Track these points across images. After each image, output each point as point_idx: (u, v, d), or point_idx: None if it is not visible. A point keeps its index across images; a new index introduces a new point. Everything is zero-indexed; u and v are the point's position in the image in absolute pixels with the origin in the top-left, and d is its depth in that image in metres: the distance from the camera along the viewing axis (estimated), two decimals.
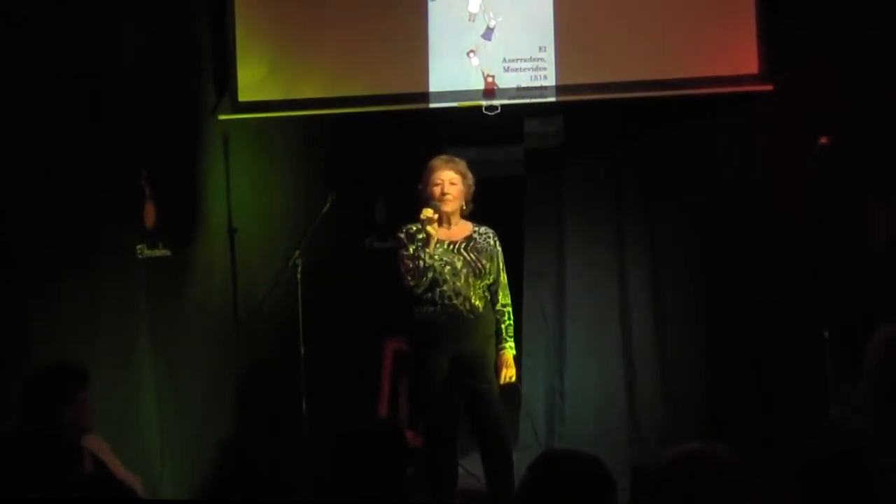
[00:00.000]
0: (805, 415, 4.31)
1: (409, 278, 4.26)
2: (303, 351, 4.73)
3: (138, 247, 4.27)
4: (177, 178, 4.58)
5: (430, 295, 4.26)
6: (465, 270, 4.29)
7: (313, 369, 4.77)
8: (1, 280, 3.59)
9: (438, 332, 4.26)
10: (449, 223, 4.37)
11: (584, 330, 5.18)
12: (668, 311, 5.10)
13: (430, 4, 4.93)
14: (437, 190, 4.32)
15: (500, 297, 4.41)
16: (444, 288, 4.26)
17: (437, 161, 4.38)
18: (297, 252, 4.81)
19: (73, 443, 3.29)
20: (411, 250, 4.28)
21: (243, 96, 5.03)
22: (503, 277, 4.43)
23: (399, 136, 5.42)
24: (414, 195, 4.42)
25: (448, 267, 4.27)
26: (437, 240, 4.29)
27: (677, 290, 5.09)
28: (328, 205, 4.81)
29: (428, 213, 4.27)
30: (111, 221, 4.16)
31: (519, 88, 4.88)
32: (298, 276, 4.77)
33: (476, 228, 4.42)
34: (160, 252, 4.38)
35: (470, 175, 4.39)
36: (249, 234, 5.10)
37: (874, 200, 4.72)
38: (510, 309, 4.43)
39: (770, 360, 4.91)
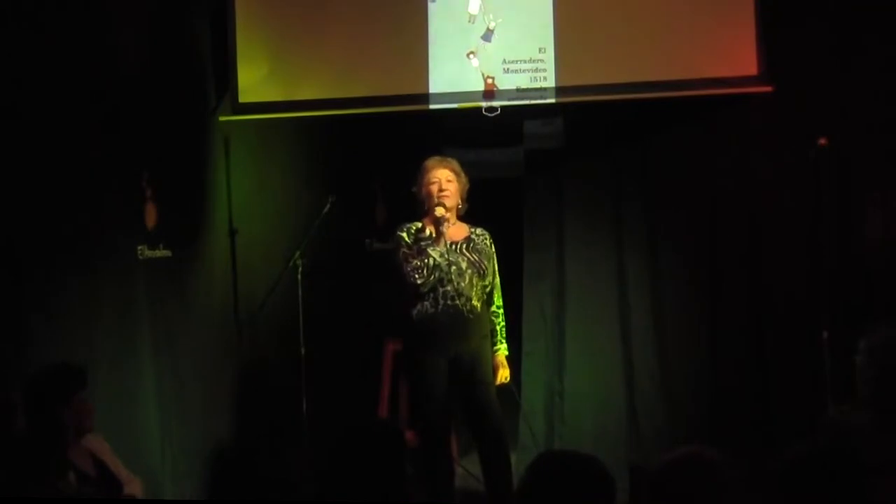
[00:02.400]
0: (805, 415, 4.32)
1: (416, 276, 4.25)
2: (303, 351, 4.74)
3: (139, 248, 4.27)
4: (178, 179, 4.58)
5: (432, 294, 4.27)
6: (469, 271, 4.31)
7: (313, 369, 4.78)
8: (2, 280, 3.59)
9: (437, 332, 4.26)
10: (448, 227, 4.38)
11: (584, 330, 5.19)
12: (667, 311, 5.11)
13: (430, 6, 4.94)
14: (434, 188, 4.33)
15: (494, 299, 4.43)
16: (448, 288, 4.27)
17: (430, 161, 4.40)
18: (298, 253, 4.82)
19: (73, 443, 3.30)
20: (414, 249, 4.29)
21: (244, 98, 5.04)
22: (497, 279, 4.46)
23: (399, 137, 5.43)
24: (414, 196, 4.43)
25: (454, 267, 4.28)
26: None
27: (677, 290, 5.10)
28: (328, 206, 4.82)
29: (441, 211, 4.28)
30: (112, 222, 4.16)
31: (519, 90, 4.89)
32: (299, 276, 4.79)
33: (473, 230, 4.44)
34: (161, 253, 4.38)
35: (464, 174, 4.42)
36: (250, 234, 5.10)
37: (873, 201, 4.73)
38: (503, 311, 4.47)
39: (770, 360, 4.92)
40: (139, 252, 4.27)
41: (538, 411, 5.17)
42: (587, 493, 2.14)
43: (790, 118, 4.77)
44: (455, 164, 4.41)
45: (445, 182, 4.34)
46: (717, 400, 4.99)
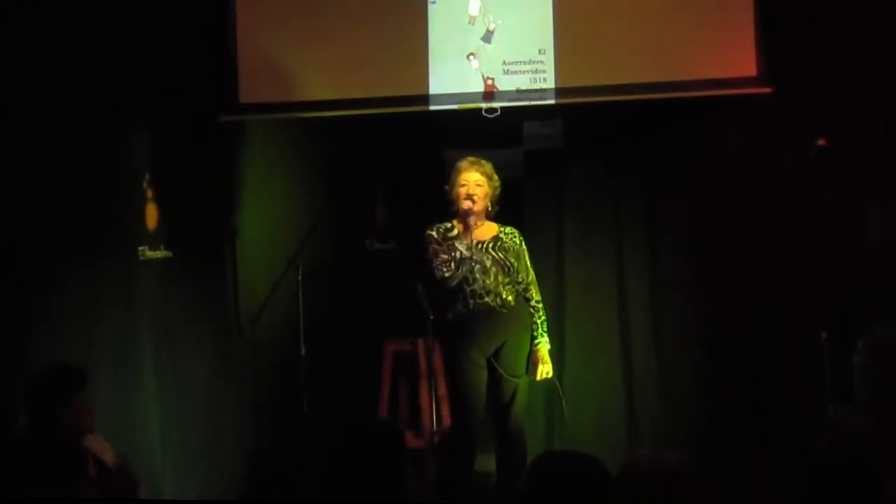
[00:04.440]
0: (804, 415, 4.32)
1: (444, 269, 4.27)
2: (303, 351, 4.74)
3: (140, 248, 4.27)
4: (178, 179, 4.58)
5: (461, 295, 4.29)
6: (494, 269, 4.31)
7: (313, 369, 4.78)
8: (1, 280, 3.59)
9: (473, 332, 4.27)
10: (475, 223, 4.39)
11: (584, 330, 5.20)
12: (667, 312, 5.12)
13: (431, 7, 4.95)
14: (462, 191, 4.36)
15: (531, 294, 4.42)
16: (475, 287, 4.28)
17: (463, 163, 4.42)
18: (298, 253, 4.82)
19: (74, 443, 3.30)
20: (444, 245, 4.30)
21: (245, 98, 5.05)
22: (531, 275, 4.44)
23: (399, 138, 5.44)
24: (413, 197, 4.44)
25: (478, 265, 4.30)
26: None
27: (677, 290, 5.11)
28: (328, 208, 4.82)
29: (468, 203, 4.31)
30: (113, 222, 4.16)
31: (518, 91, 4.89)
32: (299, 277, 4.79)
33: (502, 228, 4.45)
34: (162, 253, 4.39)
35: (496, 177, 4.43)
36: (251, 235, 5.11)
37: (872, 201, 4.74)
38: (542, 305, 4.43)
39: (769, 360, 4.92)
40: (140, 252, 4.27)
41: (538, 411, 5.17)
42: (587, 493, 2.15)
43: (790, 118, 4.78)
44: (487, 167, 4.41)
45: (474, 186, 4.36)
46: (716, 400, 5.00)
